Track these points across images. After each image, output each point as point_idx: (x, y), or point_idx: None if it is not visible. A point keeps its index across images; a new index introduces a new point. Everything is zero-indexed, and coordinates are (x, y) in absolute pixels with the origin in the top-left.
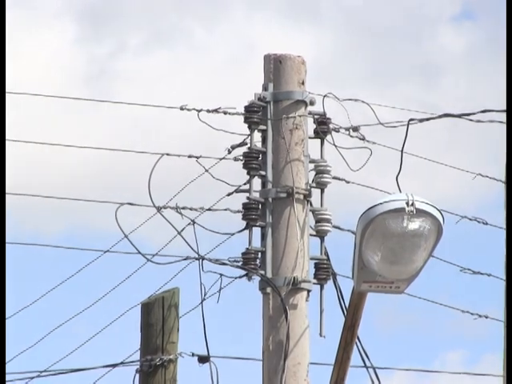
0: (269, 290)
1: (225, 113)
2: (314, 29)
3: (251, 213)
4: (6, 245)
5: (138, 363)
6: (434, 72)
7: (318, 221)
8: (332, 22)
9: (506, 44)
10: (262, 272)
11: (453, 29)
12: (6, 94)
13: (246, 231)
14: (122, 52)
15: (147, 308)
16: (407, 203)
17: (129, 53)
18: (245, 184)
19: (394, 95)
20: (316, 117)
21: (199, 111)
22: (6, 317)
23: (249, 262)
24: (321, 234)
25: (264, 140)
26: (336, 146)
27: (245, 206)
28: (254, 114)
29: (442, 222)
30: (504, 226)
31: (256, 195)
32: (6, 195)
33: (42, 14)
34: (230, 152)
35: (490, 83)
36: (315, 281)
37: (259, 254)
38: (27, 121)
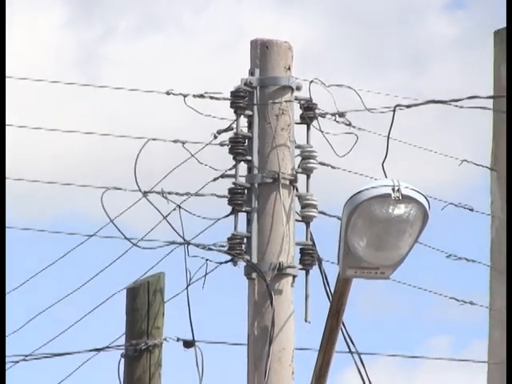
0: (254, 275)
1: (211, 98)
2: (304, 15)
3: (237, 198)
4: None
5: (123, 348)
6: (424, 60)
7: (303, 206)
8: (322, 8)
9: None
10: (248, 257)
11: (444, 17)
12: None
13: (232, 216)
14: (110, 36)
15: (132, 293)
16: (393, 189)
17: (118, 37)
18: (230, 169)
19: (384, 83)
20: (302, 102)
21: (185, 96)
22: None
23: (234, 248)
24: (306, 220)
25: (250, 125)
26: (322, 132)
27: (230, 191)
28: (240, 99)
29: (427, 207)
30: (489, 212)
31: (242, 180)
32: None
33: None
34: (215, 137)
35: (480, 71)
36: (301, 266)
37: (245, 239)
38: (12, 105)
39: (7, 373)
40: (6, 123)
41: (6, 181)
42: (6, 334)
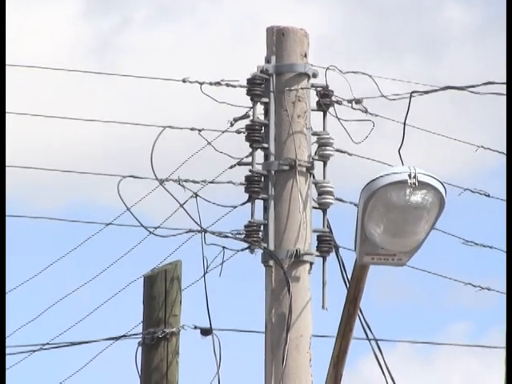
0: (271, 262)
1: (227, 85)
2: (320, 2)
3: (254, 185)
4: (10, 218)
5: (141, 336)
6: (440, 47)
7: (320, 193)
8: None
9: (506, 21)
10: (265, 245)
11: (460, 4)
12: (12, 67)
13: (249, 204)
14: (127, 26)
15: (150, 281)
16: (409, 175)
17: (134, 26)
18: (247, 157)
19: (400, 70)
20: (318, 89)
21: (202, 84)
22: (9, 289)
23: (251, 235)
24: (323, 207)
25: (266, 112)
26: (338, 119)
27: (247, 178)
28: (256, 87)
29: (444, 194)
30: (505, 197)
31: (258, 168)
32: (9, 169)
33: None
34: (232, 125)
35: (497, 58)
36: (318, 253)
37: (262, 226)
38: (28, 94)
39: (25, 362)
40: (20, 112)
41: (21, 170)
42: (24, 324)
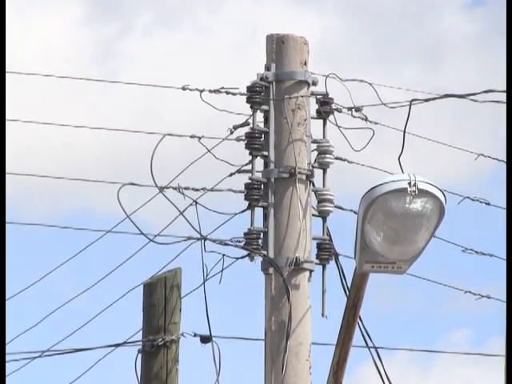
0: (271, 270)
1: (227, 93)
2: (320, 10)
3: (253, 193)
4: (9, 225)
5: (141, 343)
6: (440, 55)
7: (320, 201)
8: (338, 3)
9: (506, 29)
10: (265, 252)
11: (461, 12)
12: (12, 74)
13: (248, 211)
14: (127, 33)
15: (149, 288)
16: (409, 183)
17: (135, 34)
18: (247, 164)
19: (400, 78)
20: (318, 97)
21: (201, 91)
22: (8, 297)
23: (251, 243)
24: (323, 215)
25: (266, 120)
26: (338, 127)
27: (247, 186)
28: (256, 95)
29: (444, 202)
30: (504, 205)
31: (258, 175)
32: (8, 176)
33: None
34: (232, 132)
35: (498, 66)
36: (317, 261)
37: (261, 234)
38: (28, 101)
39: (24, 369)
40: (18, 118)
41: (20, 177)
42: (23, 331)
